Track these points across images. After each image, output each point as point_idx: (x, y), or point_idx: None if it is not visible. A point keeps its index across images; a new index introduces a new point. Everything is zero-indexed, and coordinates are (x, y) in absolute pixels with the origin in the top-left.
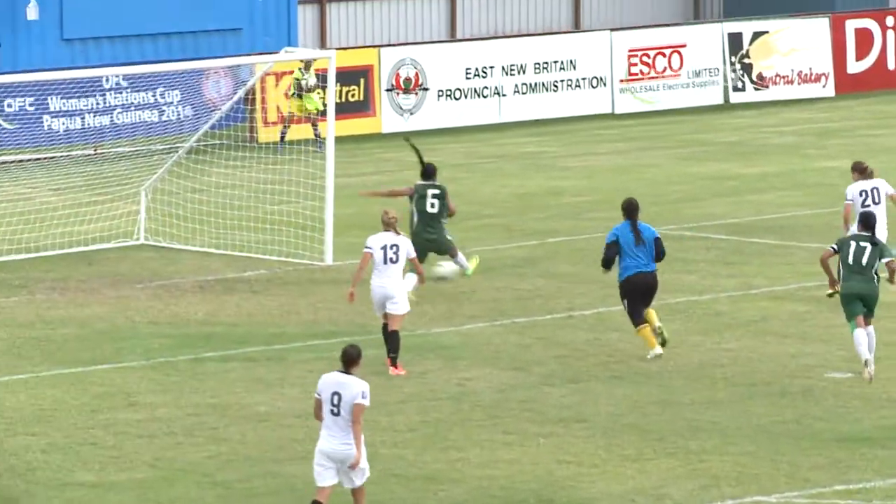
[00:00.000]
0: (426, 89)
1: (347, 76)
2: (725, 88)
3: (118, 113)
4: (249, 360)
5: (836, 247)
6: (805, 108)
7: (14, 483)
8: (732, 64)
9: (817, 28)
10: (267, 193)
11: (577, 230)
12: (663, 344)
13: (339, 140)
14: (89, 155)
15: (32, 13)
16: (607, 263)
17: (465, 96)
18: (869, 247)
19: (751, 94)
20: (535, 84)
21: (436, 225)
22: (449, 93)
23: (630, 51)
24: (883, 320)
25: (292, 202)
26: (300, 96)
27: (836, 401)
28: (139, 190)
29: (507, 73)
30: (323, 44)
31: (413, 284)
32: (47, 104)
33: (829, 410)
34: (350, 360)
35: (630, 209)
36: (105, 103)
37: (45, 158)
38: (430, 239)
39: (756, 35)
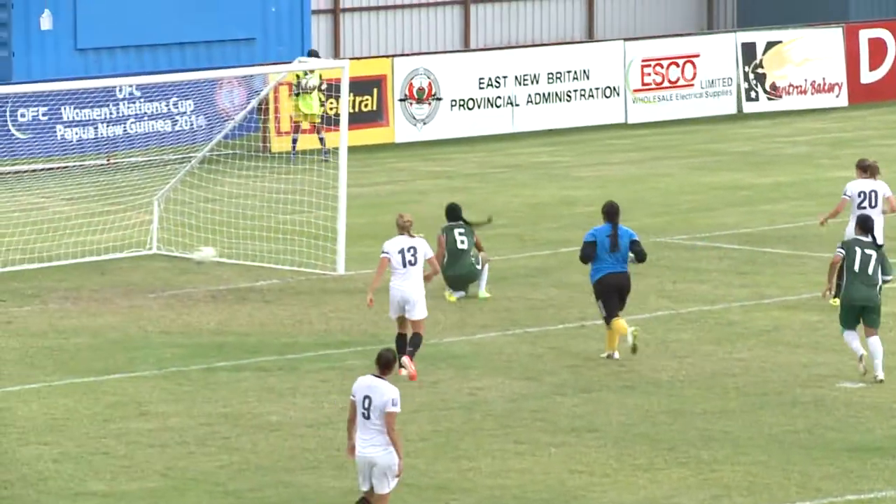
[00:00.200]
0: (439, 99)
1: (361, 86)
2: (738, 98)
3: (131, 123)
4: (261, 370)
5: (843, 250)
6: (818, 118)
7: (26, 492)
8: (746, 74)
9: (831, 38)
10: (279, 203)
11: None
12: (633, 350)
13: (352, 150)
14: (102, 165)
15: (46, 23)
16: (585, 260)
17: (479, 106)
18: (874, 255)
19: (764, 104)
20: (549, 94)
21: (466, 259)
22: (462, 103)
23: (643, 61)
24: (894, 331)
25: (305, 212)
26: (298, 95)
27: (848, 410)
28: (152, 200)
29: (520, 83)
30: (336, 53)
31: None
32: (60, 114)
33: (840, 420)
34: (384, 364)
35: (611, 213)
36: (118, 113)
37: (58, 168)
38: (461, 274)
39: (769, 45)
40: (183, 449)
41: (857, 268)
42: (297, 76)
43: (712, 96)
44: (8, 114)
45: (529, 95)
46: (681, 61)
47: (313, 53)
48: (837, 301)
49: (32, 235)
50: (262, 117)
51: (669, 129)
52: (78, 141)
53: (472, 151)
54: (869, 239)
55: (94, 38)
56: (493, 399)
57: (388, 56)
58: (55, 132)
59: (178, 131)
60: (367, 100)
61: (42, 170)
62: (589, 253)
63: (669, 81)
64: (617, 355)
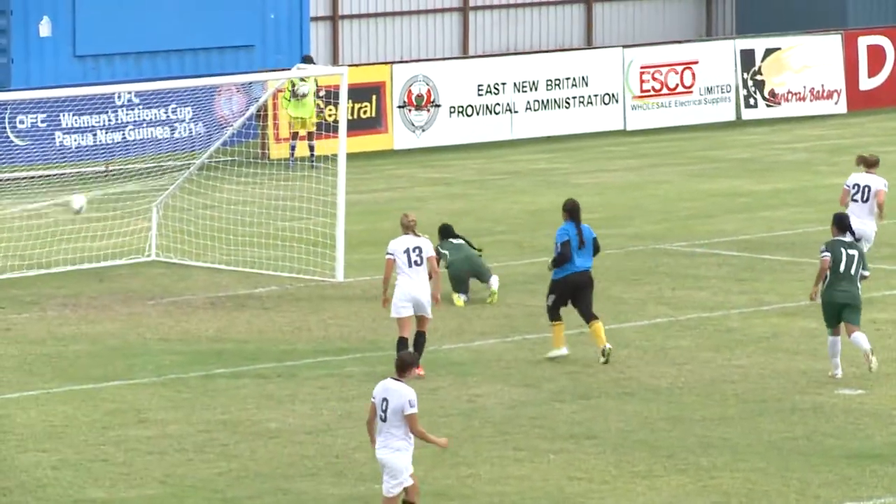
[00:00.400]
0: (438, 106)
1: (359, 93)
2: (737, 105)
3: (130, 129)
4: (260, 377)
5: (829, 252)
6: (817, 124)
7: (25, 500)
8: (744, 80)
9: (829, 45)
10: (278, 210)
11: None
12: (606, 362)
13: (351, 157)
14: (101, 171)
15: (45, 30)
16: (563, 262)
17: (477, 113)
18: (856, 255)
19: (763, 111)
20: (547, 101)
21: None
22: (461, 109)
23: (642, 67)
24: (894, 337)
25: (303, 219)
26: (289, 101)
27: (847, 417)
28: (151, 206)
29: (519, 90)
30: (335, 60)
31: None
32: (59, 121)
33: (839, 427)
34: (401, 367)
35: (574, 210)
36: (117, 120)
37: (56, 175)
38: (462, 269)
39: (768, 52)
40: (182, 456)
41: (842, 269)
42: (292, 83)
43: (711, 103)
44: (7, 120)
45: (528, 102)
46: (679, 68)
47: (307, 59)
48: None
49: (31, 242)
50: (261, 124)
51: (668, 135)
52: (77, 147)
53: (470, 158)
54: (848, 238)
55: (93, 45)
56: (492, 406)
57: (386, 63)
58: (54, 139)
59: (176, 138)
60: (365, 106)
61: (41, 176)
62: (569, 253)
63: (668, 88)
64: (565, 351)
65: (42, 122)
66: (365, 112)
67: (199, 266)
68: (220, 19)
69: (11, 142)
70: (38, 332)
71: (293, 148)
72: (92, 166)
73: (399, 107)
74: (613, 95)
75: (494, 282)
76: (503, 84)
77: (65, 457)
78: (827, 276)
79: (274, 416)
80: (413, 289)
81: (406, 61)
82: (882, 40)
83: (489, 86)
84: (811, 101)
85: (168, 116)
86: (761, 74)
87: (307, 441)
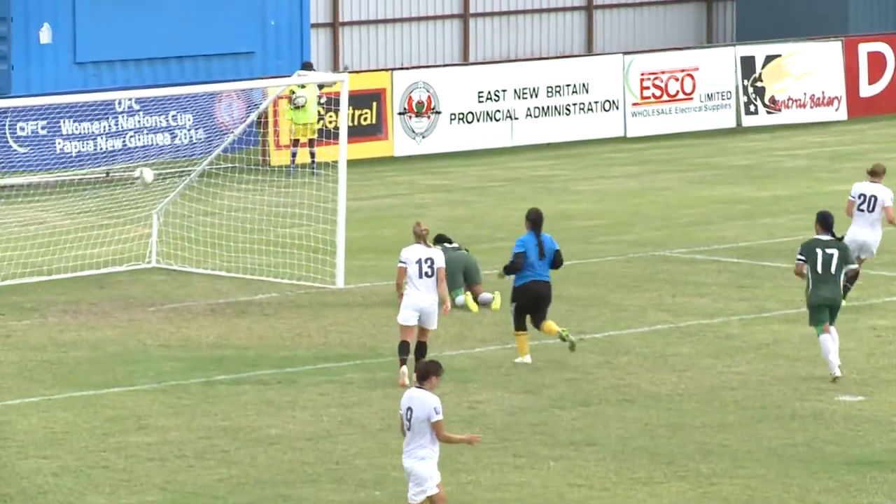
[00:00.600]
0: (439, 112)
1: (360, 99)
2: (738, 112)
3: (130, 136)
4: (261, 383)
5: (803, 257)
6: (817, 131)
7: None
8: (745, 87)
9: (830, 51)
10: (279, 217)
11: (587, 253)
12: (572, 348)
13: (352, 163)
14: (101, 178)
15: (45, 36)
16: (513, 272)
17: (478, 120)
18: (836, 253)
19: (763, 118)
20: (548, 107)
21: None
22: (461, 116)
23: (642, 74)
24: (894, 344)
25: (304, 225)
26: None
27: (847, 424)
28: (151, 213)
29: (519, 97)
30: (336, 67)
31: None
32: (60, 127)
33: (839, 434)
34: (422, 375)
35: (537, 221)
36: (117, 126)
37: (57, 182)
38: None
39: (769, 58)
40: (182, 462)
41: (819, 269)
42: (292, 91)
43: (711, 110)
44: (7, 127)
45: (529, 109)
46: (680, 75)
47: (307, 66)
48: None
49: (32, 249)
50: (262, 131)
51: (668, 142)
52: (77, 154)
53: (471, 165)
54: (828, 237)
55: (94, 51)
56: (492, 412)
57: (387, 69)
58: (54, 145)
59: (177, 145)
60: (366, 113)
61: (41, 183)
62: (521, 263)
63: (669, 95)
64: (529, 360)
65: (42, 128)
66: (365, 119)
67: (199, 273)
68: (221, 26)
69: (12, 148)
70: (39, 338)
71: (294, 155)
72: (93, 173)
73: (399, 113)
74: (614, 102)
75: (488, 298)
76: (503, 91)
77: (65, 463)
78: (810, 278)
79: (274, 423)
80: (421, 300)
81: (406, 68)
82: (882, 47)
83: (489, 92)
84: (812, 107)
85: (168, 123)
86: (762, 81)
87: (307, 447)
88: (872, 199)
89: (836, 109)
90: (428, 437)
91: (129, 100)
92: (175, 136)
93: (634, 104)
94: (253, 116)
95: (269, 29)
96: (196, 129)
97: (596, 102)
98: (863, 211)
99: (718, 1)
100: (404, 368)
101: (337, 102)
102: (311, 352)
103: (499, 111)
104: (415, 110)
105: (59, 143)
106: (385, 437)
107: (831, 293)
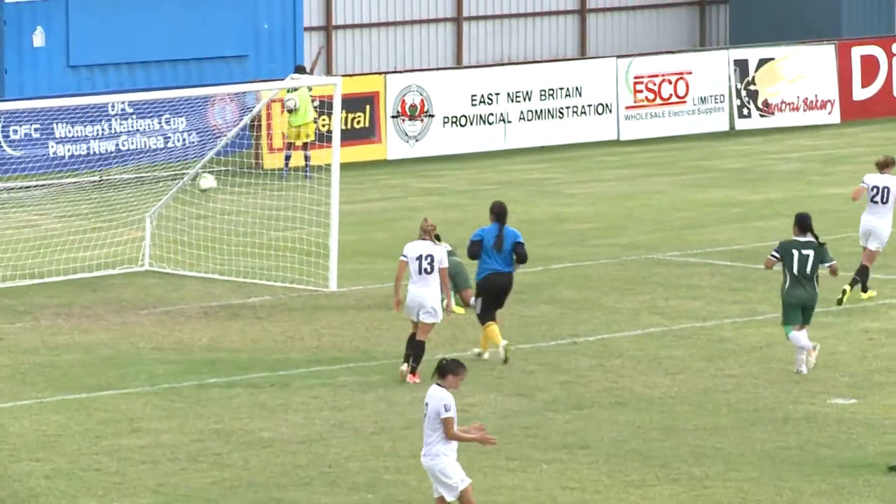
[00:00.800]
0: (432, 116)
1: (353, 103)
2: (731, 115)
3: (124, 139)
4: (253, 386)
5: (778, 254)
6: (810, 134)
7: None
8: (738, 90)
9: (823, 55)
10: (272, 220)
11: (581, 256)
12: (504, 361)
13: (345, 167)
14: (94, 181)
15: (39, 40)
16: (472, 257)
17: (471, 123)
18: (811, 254)
19: (756, 121)
20: (541, 111)
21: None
22: (454, 119)
23: (636, 77)
24: (886, 346)
25: (297, 228)
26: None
27: (840, 427)
28: (144, 216)
29: (512, 100)
30: (329, 70)
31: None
32: (53, 131)
33: (832, 437)
34: (439, 372)
35: (500, 213)
36: (111, 130)
37: (50, 185)
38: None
39: (762, 62)
40: (175, 465)
41: (795, 270)
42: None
43: (704, 113)
44: (0, 130)
45: (522, 112)
46: (673, 78)
47: (300, 69)
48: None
49: (24, 252)
50: (255, 134)
51: (662, 145)
52: (70, 157)
53: (464, 168)
54: (806, 238)
55: (87, 55)
56: (485, 415)
57: (380, 73)
58: (47, 149)
59: (170, 148)
60: (359, 116)
61: (34, 186)
62: (476, 251)
63: (662, 98)
64: (486, 356)
65: (36, 131)
66: (358, 122)
67: (192, 276)
68: (214, 29)
69: (5, 152)
70: (32, 341)
71: (288, 158)
72: (86, 176)
73: (392, 117)
74: (607, 105)
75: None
76: (497, 94)
77: (58, 466)
78: (786, 277)
79: (267, 426)
80: (417, 295)
81: (400, 71)
82: (875, 50)
83: (483, 96)
84: (805, 111)
85: (161, 126)
86: (755, 84)
87: (300, 451)
88: (886, 191)
89: (829, 113)
90: (439, 434)
91: (123, 103)
92: (168, 140)
93: (628, 107)
94: (246, 120)
95: (263, 32)
96: (189, 132)
97: (589, 106)
98: (876, 203)
99: (712, 4)
100: (404, 367)
101: (330, 106)
102: (303, 355)
103: (492, 114)
104: (408, 113)
105: (52, 147)
106: (378, 441)
107: (806, 293)
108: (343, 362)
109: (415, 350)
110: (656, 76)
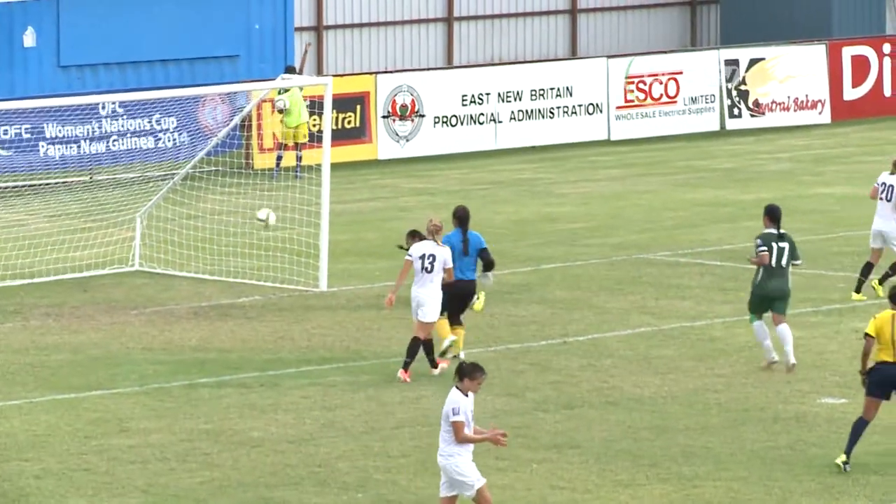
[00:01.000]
0: (422, 116)
1: (344, 103)
2: (721, 115)
3: (114, 139)
4: (243, 386)
5: (766, 248)
6: (801, 134)
7: None
8: (729, 90)
9: (814, 55)
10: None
11: (571, 256)
12: (443, 354)
13: (335, 167)
14: (85, 181)
15: (29, 40)
16: None
17: (462, 123)
18: (786, 247)
19: (747, 121)
20: (532, 111)
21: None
22: (445, 119)
23: (626, 77)
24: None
25: (287, 228)
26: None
27: (830, 427)
28: (135, 216)
29: (503, 100)
30: (320, 70)
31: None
32: (43, 131)
33: (822, 436)
34: (458, 374)
35: (463, 218)
36: (101, 130)
37: (40, 185)
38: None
39: (752, 62)
40: (164, 465)
41: (773, 262)
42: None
43: (695, 113)
44: None
45: (512, 112)
46: (664, 78)
47: (290, 70)
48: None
49: (14, 252)
50: (245, 134)
51: (652, 145)
52: (61, 157)
53: (454, 168)
54: (776, 231)
55: (78, 55)
56: (476, 415)
57: (371, 73)
58: (38, 149)
59: (160, 148)
60: (350, 116)
61: (25, 186)
62: None
63: (652, 98)
64: (462, 355)
65: (26, 132)
66: (349, 122)
67: (182, 276)
68: (205, 30)
69: None
70: (21, 341)
71: (279, 158)
72: (76, 176)
73: (383, 117)
74: (597, 105)
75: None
76: (487, 94)
77: (47, 466)
78: (761, 269)
79: (256, 426)
80: (417, 293)
81: (390, 71)
82: (866, 50)
83: (473, 96)
84: (795, 111)
85: (152, 126)
86: (745, 84)
87: (290, 450)
88: (890, 189)
89: (820, 113)
90: (451, 435)
91: (113, 103)
92: (159, 140)
93: (618, 107)
94: (236, 120)
95: (254, 33)
96: (180, 132)
97: (580, 106)
98: (882, 199)
99: (702, 4)
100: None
101: (320, 106)
102: (293, 355)
103: (482, 114)
104: (398, 113)
105: (43, 147)
106: (368, 440)
107: (780, 285)
108: (333, 362)
109: (411, 348)
110: (647, 76)
